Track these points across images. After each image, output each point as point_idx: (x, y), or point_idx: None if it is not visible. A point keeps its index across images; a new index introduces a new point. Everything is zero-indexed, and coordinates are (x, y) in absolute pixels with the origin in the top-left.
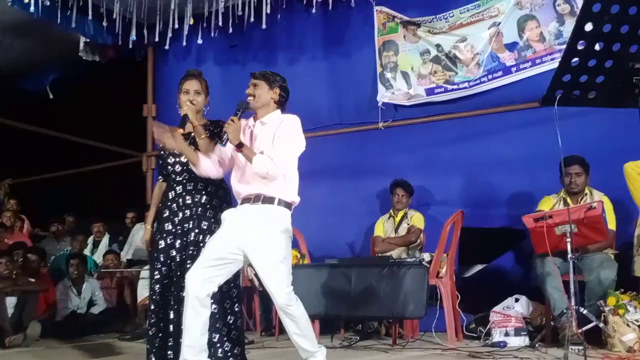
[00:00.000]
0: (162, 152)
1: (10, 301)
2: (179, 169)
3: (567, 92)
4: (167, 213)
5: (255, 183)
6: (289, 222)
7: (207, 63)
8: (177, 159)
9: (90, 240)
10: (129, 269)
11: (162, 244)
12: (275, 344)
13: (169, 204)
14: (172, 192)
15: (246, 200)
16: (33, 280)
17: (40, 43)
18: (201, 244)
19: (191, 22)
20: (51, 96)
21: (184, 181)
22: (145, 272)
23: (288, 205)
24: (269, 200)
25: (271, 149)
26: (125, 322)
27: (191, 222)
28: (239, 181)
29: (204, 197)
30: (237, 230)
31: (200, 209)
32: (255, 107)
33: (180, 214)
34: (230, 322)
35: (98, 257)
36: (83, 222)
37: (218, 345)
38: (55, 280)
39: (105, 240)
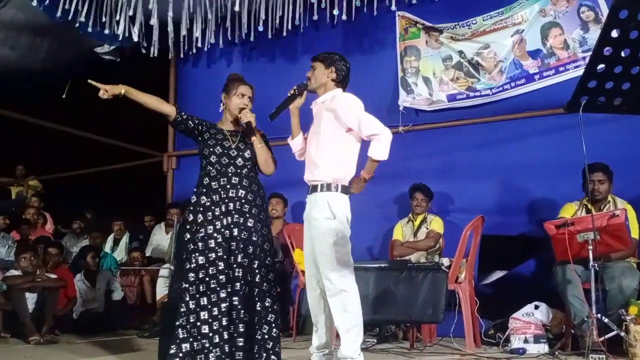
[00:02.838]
0: (216, 135)
1: (32, 297)
2: (225, 161)
3: (592, 98)
4: (208, 203)
5: (307, 172)
6: (337, 207)
7: (228, 66)
8: (225, 151)
9: (110, 238)
10: (150, 267)
11: (202, 232)
12: (292, 345)
13: (211, 194)
14: (216, 182)
15: (309, 190)
16: (53, 276)
17: (59, 41)
18: (248, 242)
19: (213, 27)
20: (64, 95)
21: (230, 174)
22: (164, 271)
23: (336, 187)
24: (314, 188)
25: (333, 128)
26: (144, 319)
27: (232, 217)
28: (306, 167)
29: (249, 194)
30: (306, 221)
31: (246, 205)
32: (313, 88)
33: (224, 207)
34: (271, 320)
35: (119, 255)
36: (103, 220)
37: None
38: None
39: (125, 238)
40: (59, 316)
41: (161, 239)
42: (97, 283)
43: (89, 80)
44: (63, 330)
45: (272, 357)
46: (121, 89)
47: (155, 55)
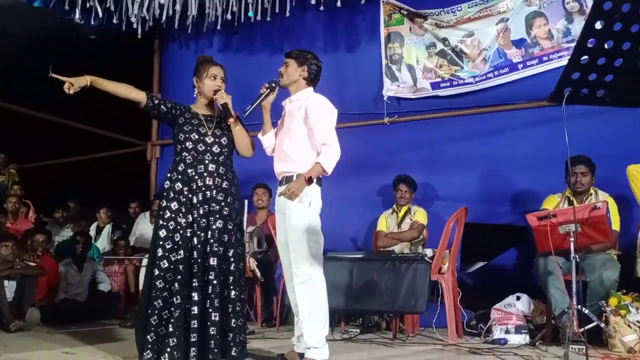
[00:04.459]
0: (192, 120)
1: (11, 285)
2: (202, 148)
3: (575, 90)
4: (186, 191)
5: (279, 164)
6: (313, 197)
7: (210, 51)
8: (201, 138)
9: (93, 227)
10: (133, 256)
11: (179, 220)
12: (275, 335)
13: (188, 181)
14: (192, 170)
15: (280, 182)
16: (33, 264)
17: (36, 23)
18: (223, 231)
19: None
20: (50, 73)
21: (207, 161)
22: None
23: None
24: (288, 179)
25: (305, 128)
26: (126, 309)
27: (209, 205)
28: (276, 160)
29: (225, 182)
30: (278, 213)
31: (221, 193)
32: (284, 85)
33: (201, 195)
34: (239, 309)
35: (101, 244)
36: (86, 209)
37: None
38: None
39: (108, 228)
40: (39, 306)
41: (146, 228)
42: (84, 269)
43: (52, 74)
44: (44, 320)
45: (239, 347)
46: (86, 80)
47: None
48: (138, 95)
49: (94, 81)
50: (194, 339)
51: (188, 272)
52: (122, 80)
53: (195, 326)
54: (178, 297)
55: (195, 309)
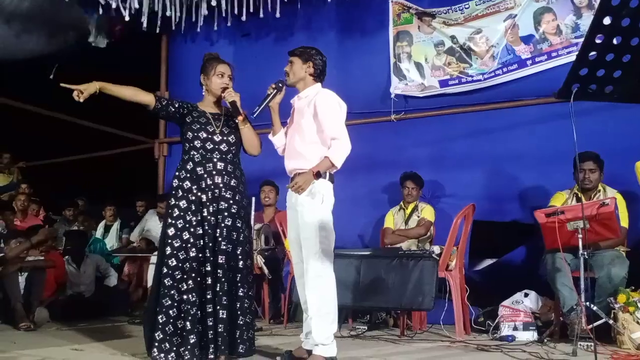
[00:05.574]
0: (199, 118)
1: (20, 280)
2: (210, 147)
3: (583, 86)
4: (195, 189)
5: (291, 162)
6: (325, 193)
7: (219, 50)
8: (209, 136)
9: (101, 224)
10: (139, 254)
11: (188, 219)
12: (283, 332)
13: (197, 180)
14: (201, 168)
15: (291, 179)
16: (42, 258)
17: (47, 29)
18: (232, 229)
19: (205, 12)
20: (52, 76)
21: (215, 160)
22: (155, 257)
23: (324, 174)
24: None
25: (315, 124)
26: (134, 306)
27: (218, 204)
28: (287, 157)
29: (233, 180)
30: (289, 209)
31: (230, 191)
32: (291, 83)
33: (210, 193)
34: (247, 306)
35: (109, 242)
36: (94, 207)
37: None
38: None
39: (116, 225)
40: (48, 302)
41: (155, 225)
42: (83, 266)
43: (62, 84)
44: (53, 317)
45: (247, 343)
46: (95, 87)
47: (145, 27)
48: (146, 98)
49: (103, 87)
50: (211, 336)
51: (199, 270)
52: (129, 77)
53: (212, 324)
54: (193, 294)
55: (210, 307)
